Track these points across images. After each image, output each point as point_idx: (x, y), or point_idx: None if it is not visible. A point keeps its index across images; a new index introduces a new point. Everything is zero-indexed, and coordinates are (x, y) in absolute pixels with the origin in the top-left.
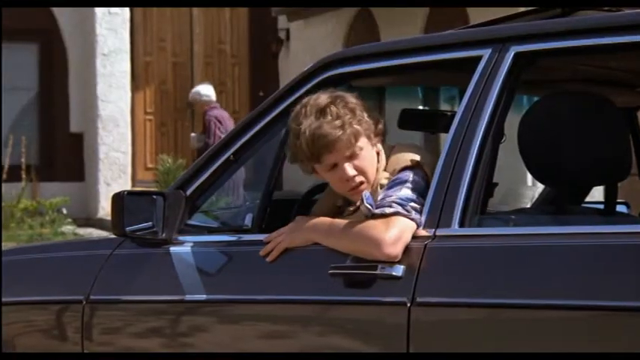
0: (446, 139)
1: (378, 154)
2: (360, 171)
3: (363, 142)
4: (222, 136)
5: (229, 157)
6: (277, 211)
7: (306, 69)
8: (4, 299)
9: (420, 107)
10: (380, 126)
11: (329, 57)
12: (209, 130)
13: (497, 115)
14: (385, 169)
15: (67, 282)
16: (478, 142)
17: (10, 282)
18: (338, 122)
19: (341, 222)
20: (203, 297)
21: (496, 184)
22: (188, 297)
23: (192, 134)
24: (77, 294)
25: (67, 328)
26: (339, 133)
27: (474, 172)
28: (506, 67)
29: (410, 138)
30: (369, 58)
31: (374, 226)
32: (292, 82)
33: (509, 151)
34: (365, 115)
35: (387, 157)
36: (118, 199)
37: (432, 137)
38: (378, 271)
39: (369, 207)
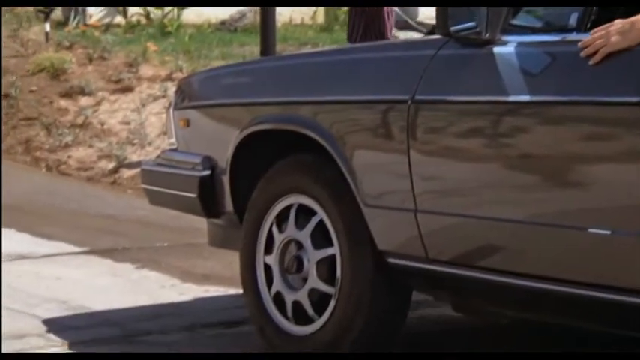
0: None
1: None
2: None
3: None
4: None
5: None
6: (602, 10)
7: None
8: (335, 97)
9: None
10: None
11: None
12: None
13: None
14: None
15: (393, 82)
16: None
17: (337, 81)
18: None
19: None
20: (526, 98)
21: None
22: (511, 98)
23: None
24: (402, 94)
25: (392, 127)
26: None
27: None
28: None
29: None
30: None
31: None
32: None
33: None
34: None
35: None
36: None
37: None
38: None
39: None
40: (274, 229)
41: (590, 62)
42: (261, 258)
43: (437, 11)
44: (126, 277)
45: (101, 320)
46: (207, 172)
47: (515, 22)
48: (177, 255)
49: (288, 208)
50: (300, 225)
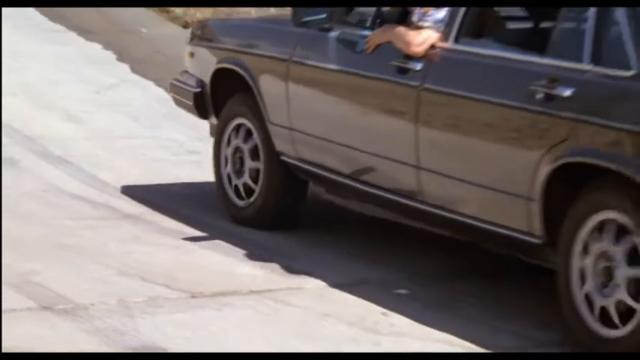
0: None
1: None
2: None
3: None
4: None
5: None
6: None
7: None
8: (256, 51)
9: None
10: None
11: None
12: None
13: None
14: None
15: (282, 46)
16: None
17: (258, 40)
18: None
19: (400, 29)
20: (341, 67)
21: None
22: (334, 66)
23: None
24: (286, 55)
25: (279, 74)
26: None
27: None
28: None
29: None
30: None
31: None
32: None
33: None
34: None
35: None
36: None
37: None
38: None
39: (416, 21)
40: (225, 143)
41: (367, 51)
42: (224, 166)
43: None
44: None
45: None
46: (199, 89)
47: (348, 18)
48: None
49: (237, 127)
50: (242, 139)
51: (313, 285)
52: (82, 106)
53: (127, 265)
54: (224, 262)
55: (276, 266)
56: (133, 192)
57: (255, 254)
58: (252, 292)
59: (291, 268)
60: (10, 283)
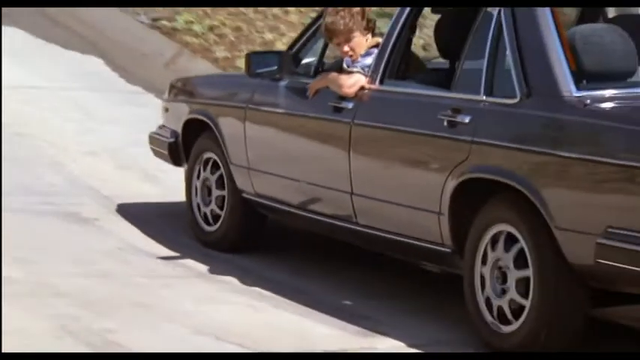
0: None
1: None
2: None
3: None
4: None
5: None
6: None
7: None
8: (217, 101)
9: None
10: (370, 24)
11: None
12: None
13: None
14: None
15: (240, 95)
16: None
17: (220, 92)
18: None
19: (334, 75)
20: (290, 110)
21: None
22: (284, 110)
23: None
24: (243, 102)
25: (238, 120)
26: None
27: None
28: None
29: None
30: None
31: (341, 77)
32: None
33: None
34: (359, 17)
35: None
36: None
37: None
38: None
39: (346, 67)
40: (195, 177)
41: (310, 97)
42: (195, 198)
43: (246, 59)
44: None
45: None
46: (173, 139)
47: (296, 69)
48: None
49: (205, 161)
50: (209, 171)
51: (387, 345)
52: (159, 165)
53: (202, 323)
54: (297, 320)
55: (347, 325)
56: (207, 251)
57: (325, 311)
58: (326, 352)
59: (362, 327)
60: (87, 342)
